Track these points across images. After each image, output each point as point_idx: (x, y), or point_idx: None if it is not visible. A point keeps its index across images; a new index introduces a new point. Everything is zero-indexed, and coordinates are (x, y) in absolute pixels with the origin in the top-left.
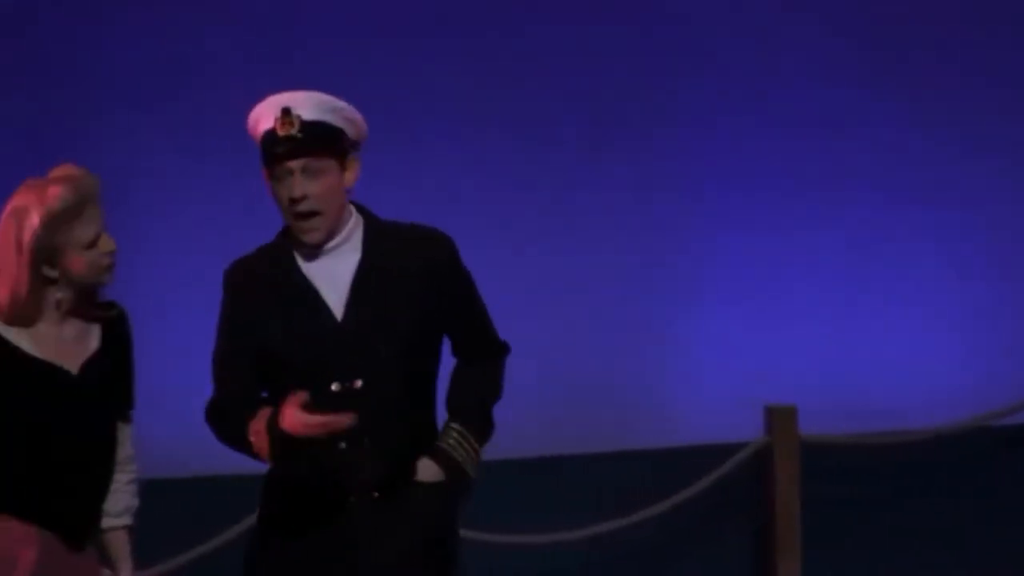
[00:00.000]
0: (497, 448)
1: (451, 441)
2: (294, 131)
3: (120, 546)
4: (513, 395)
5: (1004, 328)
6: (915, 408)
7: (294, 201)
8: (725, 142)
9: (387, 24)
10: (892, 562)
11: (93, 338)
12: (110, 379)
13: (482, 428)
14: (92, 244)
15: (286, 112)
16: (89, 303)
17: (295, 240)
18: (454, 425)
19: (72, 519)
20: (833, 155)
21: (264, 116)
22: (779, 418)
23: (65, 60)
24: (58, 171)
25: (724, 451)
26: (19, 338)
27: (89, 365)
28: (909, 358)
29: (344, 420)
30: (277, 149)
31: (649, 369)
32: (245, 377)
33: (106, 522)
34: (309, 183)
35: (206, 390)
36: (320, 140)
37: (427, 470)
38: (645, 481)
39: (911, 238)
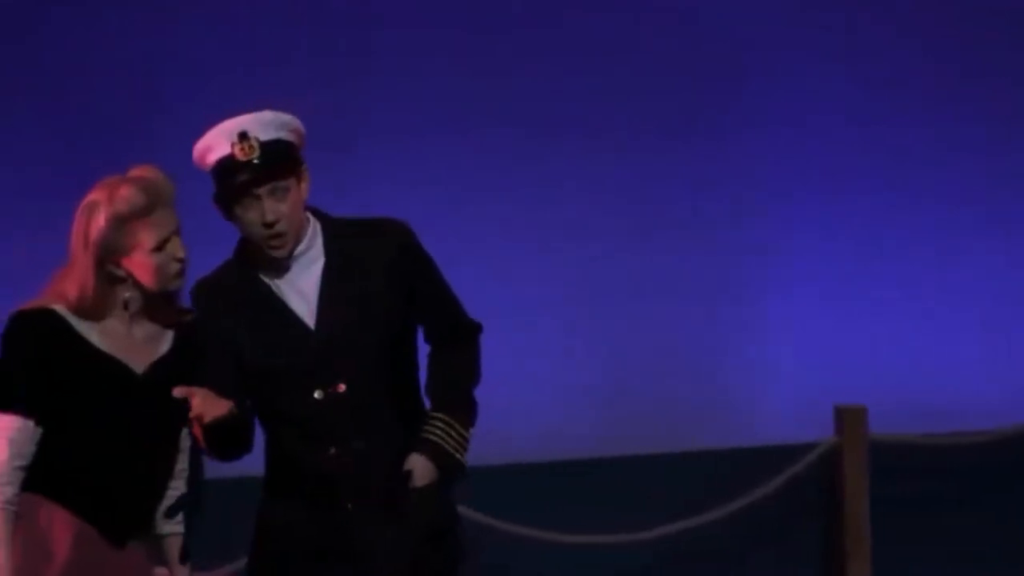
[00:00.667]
0: (567, 448)
1: (438, 432)
2: (255, 155)
3: (176, 553)
4: (583, 395)
5: None
6: (985, 408)
7: (269, 225)
8: (799, 143)
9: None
10: (962, 563)
11: (165, 342)
12: (177, 384)
13: (466, 413)
14: (159, 248)
15: (243, 136)
16: (162, 306)
17: (256, 254)
18: (438, 415)
19: (115, 516)
20: (903, 156)
21: (216, 144)
22: (849, 418)
23: (124, 58)
24: (135, 171)
25: (794, 451)
26: (88, 331)
27: (156, 367)
28: (980, 358)
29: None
30: (242, 176)
31: (720, 369)
32: (225, 389)
33: (165, 527)
34: (278, 204)
35: None
36: (280, 159)
37: (419, 465)
38: (715, 481)
39: (982, 237)
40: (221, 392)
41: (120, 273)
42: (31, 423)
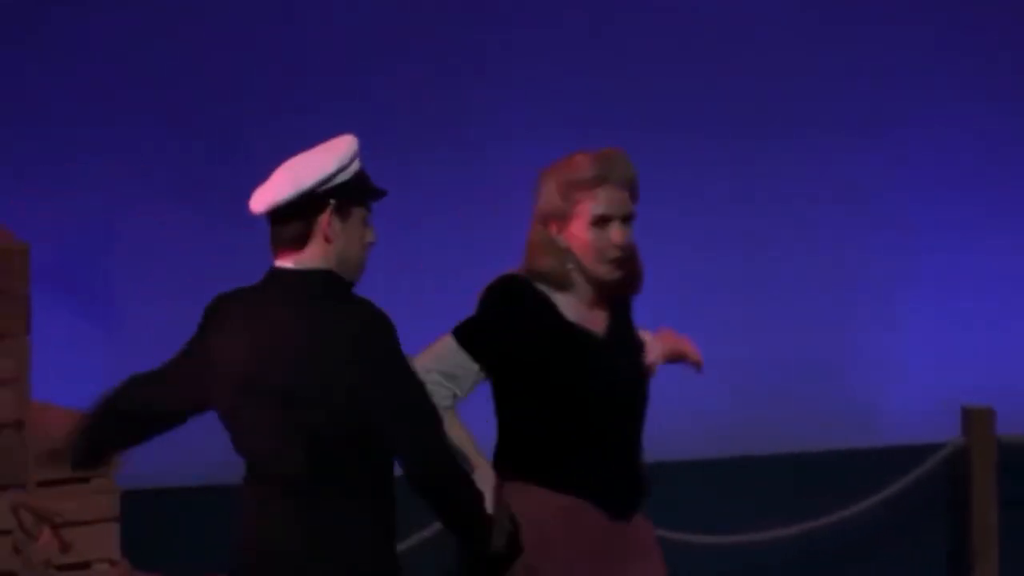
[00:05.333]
0: (692, 448)
1: None
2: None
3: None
4: (711, 396)
5: None
6: None
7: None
8: (926, 146)
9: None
10: None
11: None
12: (633, 344)
13: None
14: (597, 224)
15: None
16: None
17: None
18: None
19: (611, 487)
20: None
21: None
22: (976, 419)
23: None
24: (605, 150)
25: (920, 452)
26: (555, 298)
27: (610, 332)
28: None
29: None
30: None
31: (847, 370)
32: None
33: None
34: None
35: None
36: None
37: None
38: (841, 482)
39: None
40: None
41: (561, 243)
42: (475, 366)
